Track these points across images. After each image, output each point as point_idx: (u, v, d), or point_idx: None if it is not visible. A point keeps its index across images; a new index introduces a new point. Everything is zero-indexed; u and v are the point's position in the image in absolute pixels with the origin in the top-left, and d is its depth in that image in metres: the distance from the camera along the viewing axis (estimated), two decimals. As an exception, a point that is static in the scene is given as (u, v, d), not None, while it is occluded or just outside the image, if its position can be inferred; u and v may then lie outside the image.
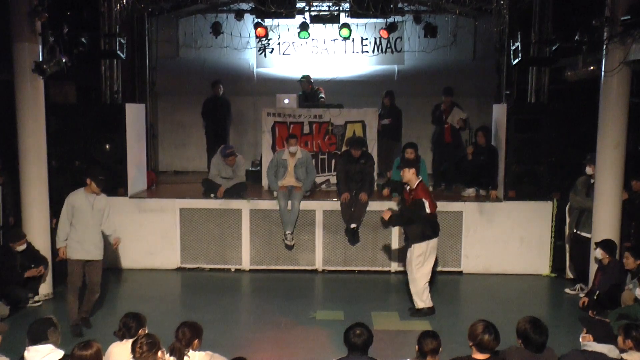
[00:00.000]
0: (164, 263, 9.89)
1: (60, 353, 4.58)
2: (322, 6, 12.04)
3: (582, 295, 8.28)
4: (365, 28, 12.65)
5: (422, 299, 7.92)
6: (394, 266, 9.79)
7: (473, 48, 13.39)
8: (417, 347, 4.78)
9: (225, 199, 9.78)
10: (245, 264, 9.89)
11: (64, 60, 8.15)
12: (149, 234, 9.82)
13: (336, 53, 13.39)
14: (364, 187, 9.61)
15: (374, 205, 9.57)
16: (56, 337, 4.70)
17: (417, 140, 10.06)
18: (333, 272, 9.82)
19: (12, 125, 8.28)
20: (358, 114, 10.70)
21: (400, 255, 9.48)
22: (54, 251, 7.92)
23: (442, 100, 10.94)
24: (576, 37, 8.24)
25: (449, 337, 6.36)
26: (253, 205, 9.83)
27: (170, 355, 4.60)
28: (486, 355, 4.48)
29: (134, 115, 10.13)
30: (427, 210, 7.65)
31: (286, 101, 10.81)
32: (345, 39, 12.68)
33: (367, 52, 13.46)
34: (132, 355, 4.35)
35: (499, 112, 10.24)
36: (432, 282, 8.13)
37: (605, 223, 8.19)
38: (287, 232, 9.62)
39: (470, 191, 10.16)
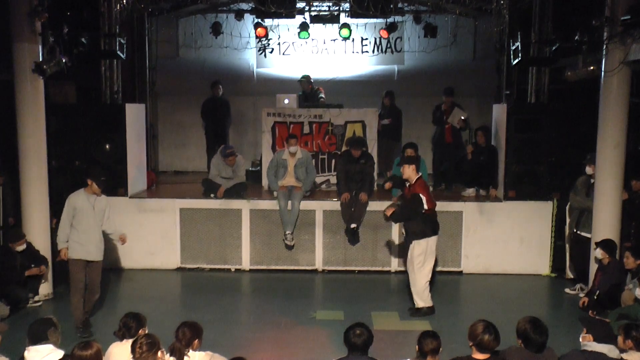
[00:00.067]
0: (164, 263, 9.90)
1: (60, 353, 4.58)
2: (322, 6, 12.04)
3: (582, 295, 8.27)
4: (365, 28, 12.65)
5: (422, 298, 7.93)
6: (394, 266, 9.79)
7: (473, 48, 13.38)
8: (417, 347, 4.77)
9: (225, 199, 9.78)
10: (245, 264, 9.89)
11: (64, 60, 8.15)
12: (149, 234, 9.81)
13: (336, 53, 13.38)
14: (364, 187, 9.61)
15: (374, 205, 9.55)
16: (56, 337, 4.70)
17: (417, 140, 10.06)
18: (333, 272, 9.82)
19: (12, 125, 8.28)
20: (358, 114, 10.70)
21: (401, 255, 9.49)
22: (54, 251, 7.92)
23: (443, 100, 10.94)
24: (576, 37, 8.24)
25: (449, 337, 6.35)
26: (253, 205, 9.84)
27: (170, 355, 4.60)
28: (486, 355, 4.48)
29: (134, 115, 10.13)
30: (425, 206, 7.64)
31: (286, 101, 10.80)
32: (345, 39, 12.69)
33: (367, 52, 13.45)
34: (132, 356, 4.35)
35: (499, 112, 10.24)
36: (432, 282, 8.13)
37: (605, 223, 8.18)
38: (287, 232, 9.62)
39: (470, 191, 10.16)
